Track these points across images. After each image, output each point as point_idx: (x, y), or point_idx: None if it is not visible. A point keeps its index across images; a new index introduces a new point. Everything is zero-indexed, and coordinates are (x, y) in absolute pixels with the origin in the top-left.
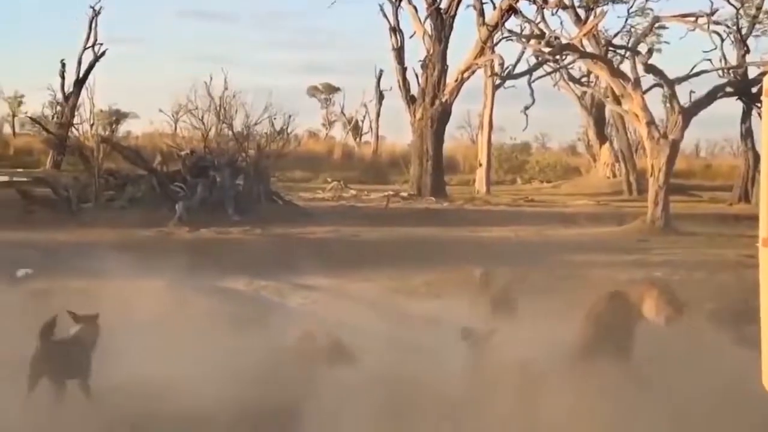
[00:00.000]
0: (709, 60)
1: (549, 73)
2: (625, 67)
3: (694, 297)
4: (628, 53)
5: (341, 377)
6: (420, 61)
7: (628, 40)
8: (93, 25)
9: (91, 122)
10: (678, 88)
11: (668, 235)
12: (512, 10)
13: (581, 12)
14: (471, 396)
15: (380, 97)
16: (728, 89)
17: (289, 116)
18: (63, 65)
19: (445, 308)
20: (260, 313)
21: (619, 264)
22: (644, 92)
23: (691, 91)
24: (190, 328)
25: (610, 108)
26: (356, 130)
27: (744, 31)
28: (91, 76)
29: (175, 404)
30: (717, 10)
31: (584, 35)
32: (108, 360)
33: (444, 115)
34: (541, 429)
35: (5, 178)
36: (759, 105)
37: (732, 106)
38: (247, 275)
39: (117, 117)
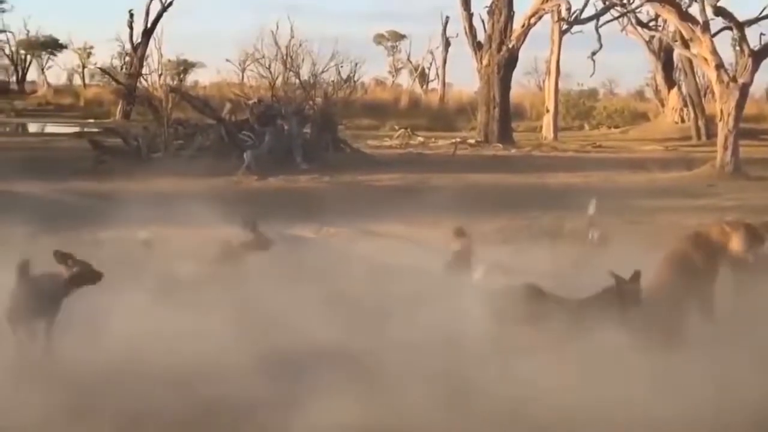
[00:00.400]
0: None
1: (616, 18)
2: (694, 10)
3: None
4: None
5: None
6: (486, 7)
7: None
8: None
9: (159, 72)
10: (748, 31)
11: (738, 180)
12: None
13: None
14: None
15: (446, 44)
16: None
17: (356, 64)
18: (131, 15)
19: (515, 254)
20: (330, 260)
21: (689, 209)
22: (713, 35)
23: (761, 34)
24: (261, 274)
25: (678, 52)
26: (423, 78)
27: None
28: (158, 26)
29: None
30: None
31: None
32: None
33: (511, 61)
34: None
35: (76, 129)
36: None
37: None
38: (316, 222)
39: (185, 67)
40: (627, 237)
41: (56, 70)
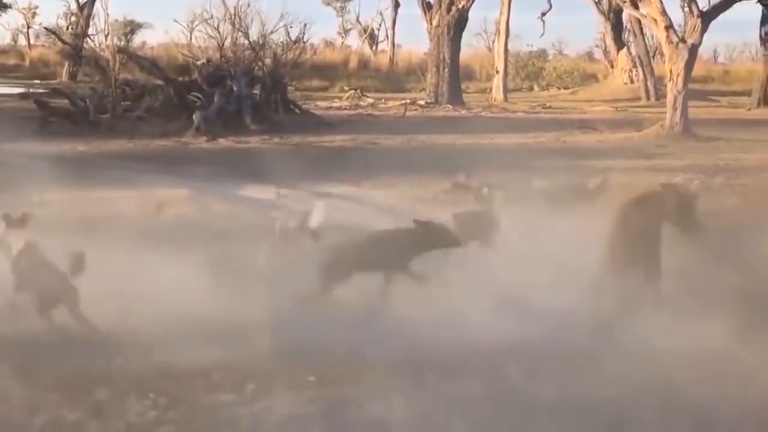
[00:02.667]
0: None
1: None
2: None
3: (714, 202)
4: None
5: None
6: None
7: None
8: None
9: (106, 33)
10: None
11: (687, 141)
12: None
13: None
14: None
15: (396, 4)
16: None
17: (305, 25)
18: None
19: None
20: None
21: (639, 169)
22: None
23: None
24: (214, 235)
25: (627, 13)
26: (372, 39)
27: None
28: None
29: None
30: None
31: None
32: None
33: (460, 22)
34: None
35: (22, 90)
36: None
37: (751, 10)
38: (266, 183)
39: (132, 27)
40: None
41: (0, 31)
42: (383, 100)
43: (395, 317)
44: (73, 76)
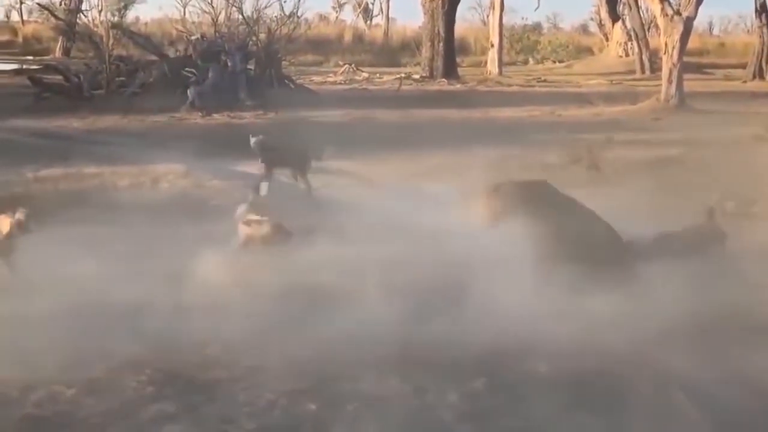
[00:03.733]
0: None
1: None
2: None
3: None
4: None
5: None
6: None
7: None
8: None
9: (100, 8)
10: None
11: (683, 113)
12: None
13: None
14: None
15: None
16: None
17: None
18: None
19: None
20: (278, 195)
21: (635, 142)
22: None
23: None
24: (209, 209)
25: None
26: (366, 13)
27: None
28: None
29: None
30: None
31: None
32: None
33: None
34: None
35: (15, 66)
36: None
37: None
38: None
39: (125, 2)
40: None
41: None
42: (378, 75)
43: None
44: (66, 52)
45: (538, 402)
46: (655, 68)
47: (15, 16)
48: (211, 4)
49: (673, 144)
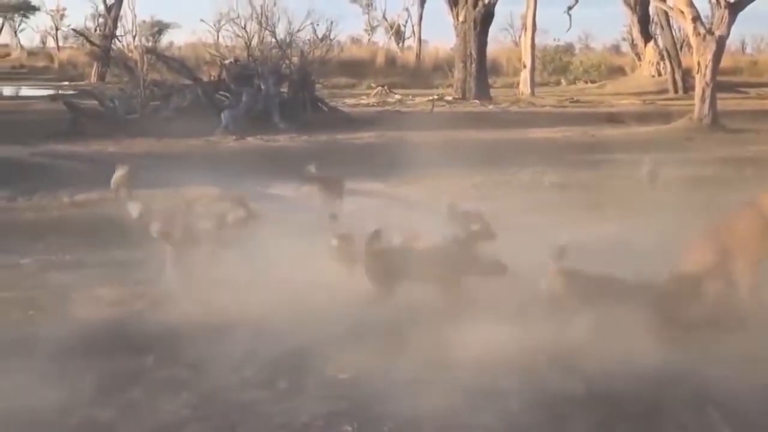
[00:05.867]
0: None
1: None
2: None
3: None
4: None
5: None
6: None
7: None
8: None
9: (134, 33)
10: None
11: (716, 132)
12: None
13: None
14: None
15: (422, 0)
16: None
17: (332, 22)
18: None
19: (494, 209)
20: (310, 218)
21: (668, 162)
22: None
23: None
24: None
25: (654, 5)
26: (399, 35)
27: None
28: None
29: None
30: None
31: None
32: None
33: (487, 17)
34: None
35: (51, 92)
36: None
37: None
38: (295, 181)
39: (159, 27)
40: (605, 191)
41: (29, 33)
42: (411, 97)
43: None
44: (102, 77)
45: None
46: (688, 87)
47: (51, 43)
48: (244, 28)
49: (707, 163)
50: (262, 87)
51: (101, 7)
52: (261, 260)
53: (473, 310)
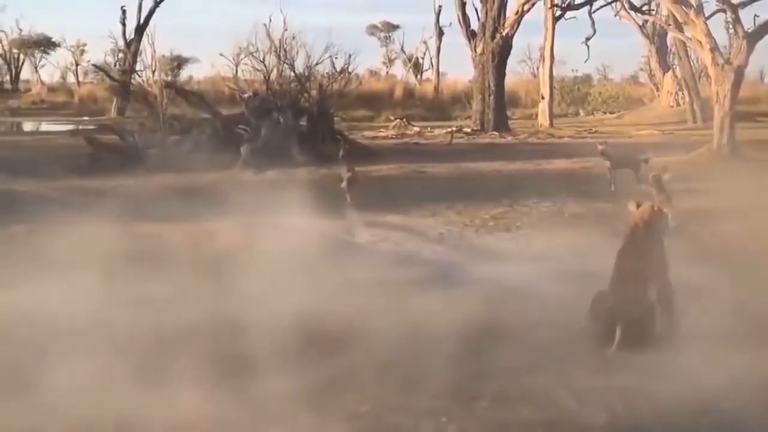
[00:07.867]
0: None
1: (609, 3)
2: None
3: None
4: None
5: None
6: None
7: None
8: None
9: (153, 68)
10: (741, 13)
11: (735, 162)
12: None
13: None
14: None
15: (440, 33)
16: None
17: (350, 55)
18: (123, 12)
19: (514, 240)
20: (331, 250)
21: (688, 192)
22: (707, 18)
23: (755, 15)
24: (262, 264)
25: (672, 36)
26: (417, 68)
27: None
28: (151, 23)
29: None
30: None
31: None
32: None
33: (505, 49)
34: None
35: (71, 127)
36: None
37: None
38: (315, 214)
39: (178, 62)
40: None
41: (50, 69)
42: (429, 129)
43: None
44: (121, 112)
45: None
46: (706, 117)
47: (71, 78)
48: (263, 61)
49: (726, 193)
50: (281, 120)
51: (121, 43)
52: None
53: None
